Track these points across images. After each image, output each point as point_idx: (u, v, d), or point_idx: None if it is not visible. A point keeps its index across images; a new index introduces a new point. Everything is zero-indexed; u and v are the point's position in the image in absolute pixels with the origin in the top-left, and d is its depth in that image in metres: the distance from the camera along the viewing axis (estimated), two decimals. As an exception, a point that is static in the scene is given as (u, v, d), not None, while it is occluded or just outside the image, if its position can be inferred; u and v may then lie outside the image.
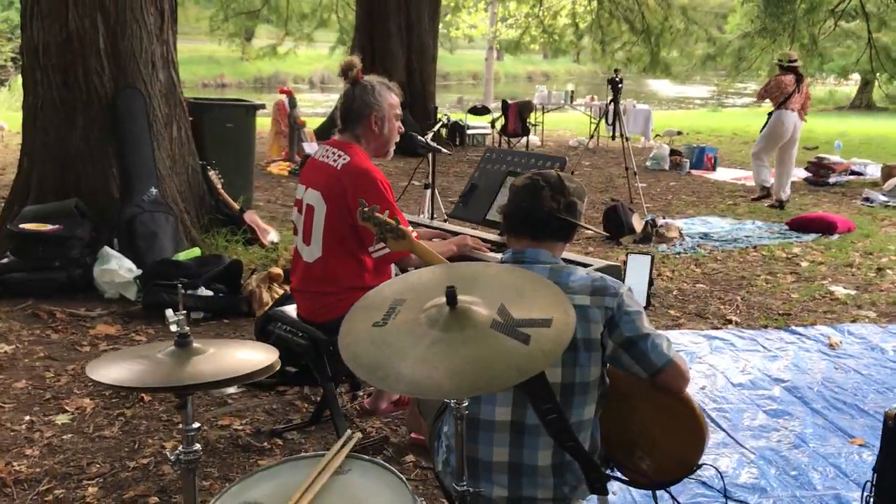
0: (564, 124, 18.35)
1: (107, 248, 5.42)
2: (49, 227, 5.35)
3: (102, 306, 5.14)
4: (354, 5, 14.25)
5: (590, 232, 7.97)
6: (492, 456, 2.24)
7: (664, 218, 8.12)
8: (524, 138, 13.45)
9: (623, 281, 2.93)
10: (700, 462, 2.33)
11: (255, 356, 1.91)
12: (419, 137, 3.96)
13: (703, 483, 3.18)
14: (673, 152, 12.77)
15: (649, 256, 2.90)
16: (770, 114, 9.31)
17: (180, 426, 3.62)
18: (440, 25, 27.44)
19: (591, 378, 2.21)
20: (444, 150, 4.04)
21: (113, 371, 1.81)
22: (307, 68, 38.07)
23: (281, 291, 5.30)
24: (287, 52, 17.15)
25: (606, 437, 2.41)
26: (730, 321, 5.30)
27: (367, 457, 1.84)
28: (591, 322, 2.18)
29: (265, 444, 3.48)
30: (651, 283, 2.92)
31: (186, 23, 17.41)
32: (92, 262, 5.38)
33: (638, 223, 7.72)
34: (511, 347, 1.77)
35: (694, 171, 12.15)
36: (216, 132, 7.91)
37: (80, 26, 5.64)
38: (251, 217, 6.69)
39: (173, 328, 1.85)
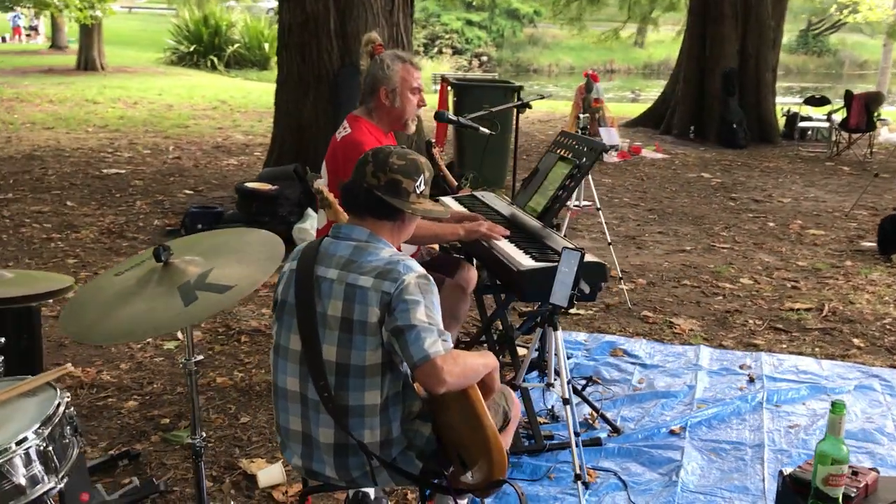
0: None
1: (309, 209, 6.06)
2: (268, 187, 6.13)
3: (291, 259, 5.78)
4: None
5: (867, 245, 6.91)
6: (289, 423, 2.26)
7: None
8: (869, 134, 11.80)
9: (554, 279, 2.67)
10: (502, 478, 2.11)
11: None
12: (449, 115, 3.83)
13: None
14: None
15: (578, 253, 2.57)
16: None
17: (248, 364, 4.05)
18: (833, 7, 24.81)
19: (368, 363, 2.11)
20: (482, 129, 3.86)
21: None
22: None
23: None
24: (630, 37, 16.86)
25: (445, 442, 2.28)
26: (923, 360, 4.34)
27: (58, 385, 2.01)
28: (368, 305, 2.09)
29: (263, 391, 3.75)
30: (576, 283, 2.58)
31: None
32: (296, 220, 6.04)
33: (922, 238, 6.51)
34: (170, 307, 1.83)
35: None
36: (473, 112, 8.24)
37: (315, 8, 6.32)
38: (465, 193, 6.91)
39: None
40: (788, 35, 26.45)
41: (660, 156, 11.15)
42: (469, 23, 38.09)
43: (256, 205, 6.08)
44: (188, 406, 3.60)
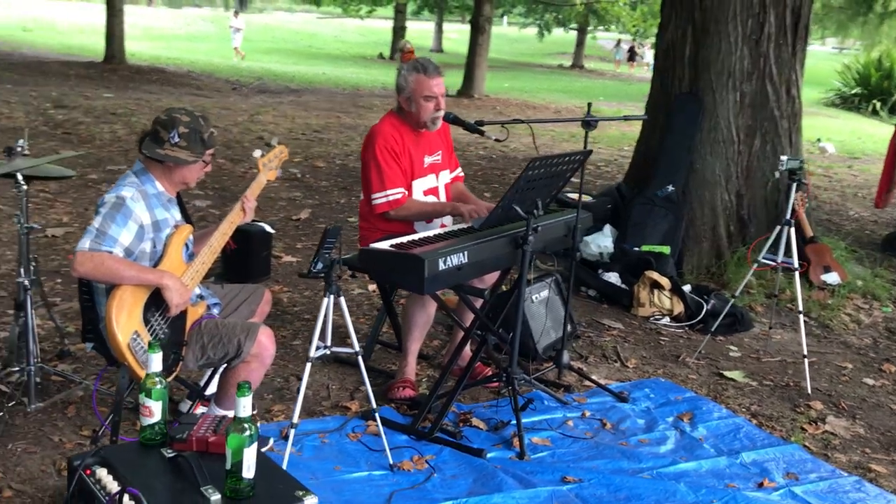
0: None
1: (608, 226, 6.25)
2: (586, 199, 6.50)
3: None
4: None
5: None
6: None
7: None
8: None
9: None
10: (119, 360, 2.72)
11: None
12: (454, 115, 3.71)
13: None
14: None
15: (338, 229, 2.78)
16: None
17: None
18: None
19: None
20: (487, 134, 3.60)
21: None
22: None
23: (665, 299, 5.29)
24: None
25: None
26: None
27: None
28: None
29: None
30: (317, 253, 2.75)
31: None
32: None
33: None
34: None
35: None
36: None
37: (675, 36, 6.37)
38: (815, 248, 6.07)
39: None
40: None
41: None
42: None
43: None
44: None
